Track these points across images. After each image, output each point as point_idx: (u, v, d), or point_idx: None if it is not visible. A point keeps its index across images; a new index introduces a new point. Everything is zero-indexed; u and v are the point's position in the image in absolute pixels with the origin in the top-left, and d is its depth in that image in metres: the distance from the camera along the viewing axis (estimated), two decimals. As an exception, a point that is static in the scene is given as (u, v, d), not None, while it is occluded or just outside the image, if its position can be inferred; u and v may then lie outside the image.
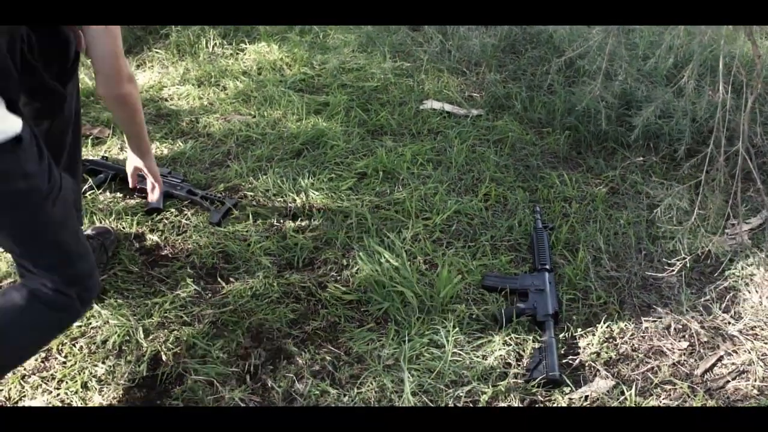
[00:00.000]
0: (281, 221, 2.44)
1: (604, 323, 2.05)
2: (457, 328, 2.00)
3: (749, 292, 2.19)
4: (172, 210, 2.47)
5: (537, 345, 1.96)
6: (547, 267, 2.18)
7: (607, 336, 2.03)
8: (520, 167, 2.79)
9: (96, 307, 2.03)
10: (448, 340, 1.95)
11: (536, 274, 2.17)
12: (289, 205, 2.52)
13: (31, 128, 1.53)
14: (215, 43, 3.76)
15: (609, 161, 2.83)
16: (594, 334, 2.02)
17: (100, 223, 2.39)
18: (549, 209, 2.53)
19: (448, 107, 3.18)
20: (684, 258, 2.15)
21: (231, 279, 2.20)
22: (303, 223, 2.43)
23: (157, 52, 3.66)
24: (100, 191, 2.54)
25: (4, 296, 1.61)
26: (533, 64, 3.50)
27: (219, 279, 2.20)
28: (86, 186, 2.50)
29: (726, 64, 2.05)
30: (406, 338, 1.96)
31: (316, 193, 2.55)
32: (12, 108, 1.46)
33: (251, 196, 2.55)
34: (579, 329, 2.04)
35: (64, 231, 1.64)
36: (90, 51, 1.64)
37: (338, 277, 2.21)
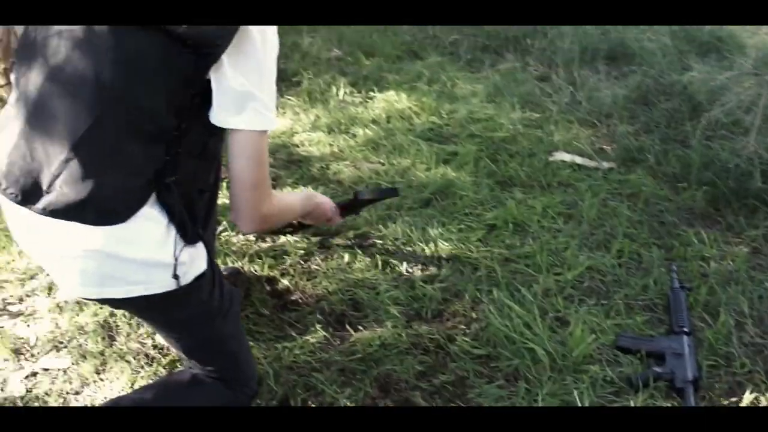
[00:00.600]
0: (410, 270, 2.45)
1: (750, 394, 1.94)
2: (590, 390, 1.94)
3: None
4: (301, 253, 2.52)
5: (676, 412, 1.88)
6: (686, 330, 2.09)
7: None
8: (654, 223, 2.70)
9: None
10: (581, 403, 1.89)
11: (674, 337, 2.09)
12: (418, 254, 2.53)
13: (209, 253, 1.59)
14: (345, 91, 3.86)
15: (750, 220, 2.70)
16: (738, 405, 1.92)
17: (233, 264, 2.47)
18: (686, 268, 2.44)
19: (578, 159, 3.14)
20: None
21: (359, 327, 2.22)
22: (432, 274, 2.43)
23: (289, 99, 3.79)
24: (234, 233, 2.63)
25: (170, 377, 1.73)
26: (667, 116, 3.41)
27: (348, 326, 2.22)
28: (221, 227, 2.59)
29: None
30: (538, 398, 1.92)
31: (445, 243, 2.56)
32: (198, 236, 1.52)
33: (380, 244, 2.58)
34: (721, 398, 1.94)
35: (233, 341, 1.76)
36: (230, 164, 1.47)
37: (467, 330, 2.20)
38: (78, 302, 2.33)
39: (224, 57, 1.32)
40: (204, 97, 1.38)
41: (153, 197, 1.40)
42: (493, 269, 2.42)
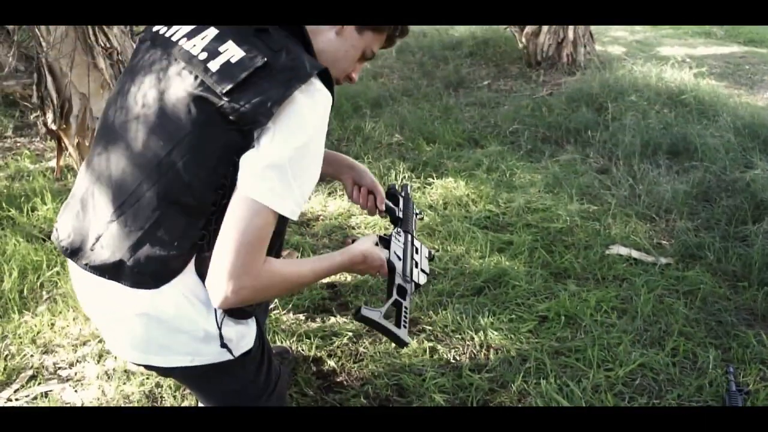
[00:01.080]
0: (458, 358, 2.43)
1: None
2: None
3: None
4: (350, 335, 2.53)
5: None
6: None
7: None
8: (711, 322, 2.64)
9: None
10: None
11: None
12: (467, 342, 2.51)
13: (260, 329, 1.63)
14: (404, 176, 3.92)
15: (813, 323, 2.62)
16: None
17: (281, 343, 2.49)
18: (744, 371, 2.37)
19: (635, 254, 3.10)
20: None
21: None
22: (480, 363, 2.41)
23: (349, 183, 3.86)
24: (284, 311, 2.66)
25: None
26: (728, 213, 3.36)
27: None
28: (272, 305, 2.63)
29: None
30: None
31: (495, 333, 2.54)
32: (244, 313, 1.54)
33: (429, 330, 2.58)
34: None
35: None
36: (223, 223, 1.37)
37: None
38: (126, 371, 2.38)
39: (264, 134, 1.31)
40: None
41: (191, 270, 1.43)
42: (543, 362, 2.39)
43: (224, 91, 1.31)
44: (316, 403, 2.25)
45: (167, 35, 1.47)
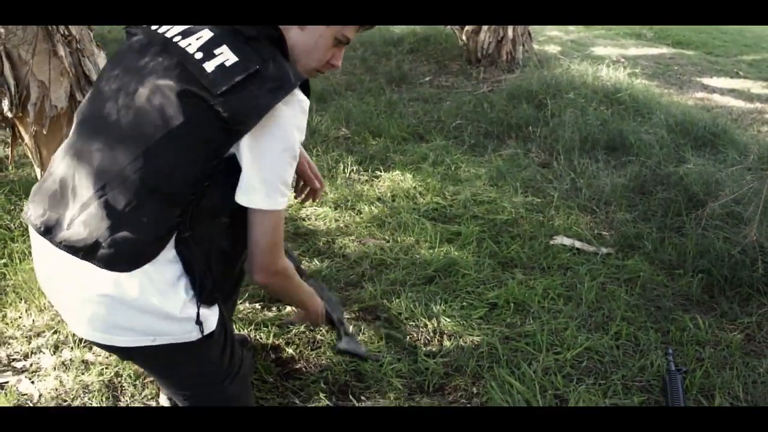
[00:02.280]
0: (413, 345, 2.51)
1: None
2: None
3: None
4: (306, 324, 2.57)
5: None
6: None
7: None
8: (651, 308, 2.78)
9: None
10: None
11: None
12: (421, 329, 2.59)
13: (222, 315, 1.68)
14: (352, 169, 3.98)
15: (744, 307, 2.78)
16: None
17: (239, 331, 2.53)
18: (682, 352, 2.50)
19: (578, 244, 3.23)
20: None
21: (362, 397, 2.27)
22: (434, 348, 2.49)
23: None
24: (241, 301, 2.69)
25: None
26: (663, 205, 3.52)
27: (351, 396, 2.27)
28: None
29: None
30: (538, 472, 1.95)
31: (448, 319, 2.62)
32: (214, 299, 1.61)
33: (384, 317, 2.65)
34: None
35: (237, 404, 1.84)
36: (248, 230, 1.60)
37: (468, 404, 2.24)
38: (84, 361, 2.38)
39: (247, 136, 1.45)
40: (228, 167, 1.49)
41: (171, 251, 1.50)
42: (494, 346, 2.48)
43: (219, 92, 1.42)
44: (276, 389, 2.29)
45: (160, 31, 1.53)
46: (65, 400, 2.24)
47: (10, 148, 2.60)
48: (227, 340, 1.72)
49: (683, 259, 3.07)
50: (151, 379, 2.29)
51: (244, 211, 1.55)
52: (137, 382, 2.30)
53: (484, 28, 6.33)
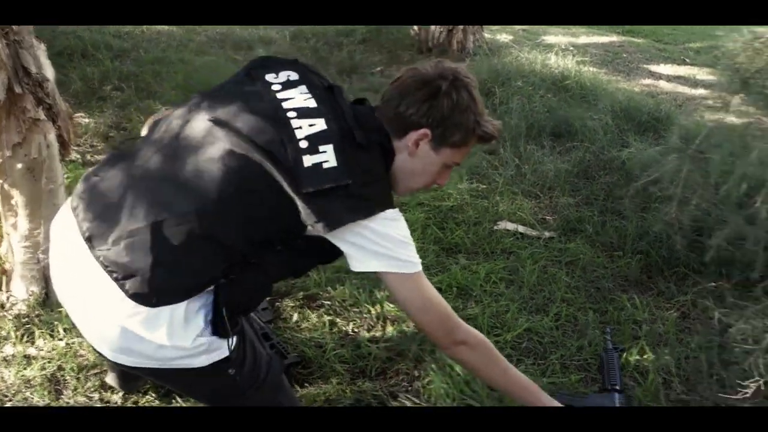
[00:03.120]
0: (356, 330, 2.54)
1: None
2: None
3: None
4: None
5: None
6: (618, 387, 2.20)
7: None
8: (591, 289, 2.84)
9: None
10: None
11: (606, 395, 2.18)
12: (365, 315, 2.62)
13: (241, 330, 1.64)
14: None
15: (680, 286, 2.86)
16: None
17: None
18: (619, 331, 2.57)
19: (521, 228, 3.28)
20: (757, 380, 2.15)
21: (306, 383, 2.29)
22: (377, 334, 2.52)
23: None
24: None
25: None
26: (606, 189, 3.60)
27: (294, 383, 2.29)
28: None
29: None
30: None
31: (391, 305, 2.65)
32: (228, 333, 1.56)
33: (328, 304, 2.67)
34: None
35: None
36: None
37: (409, 388, 2.28)
38: (26, 356, 2.36)
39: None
40: (293, 235, 1.51)
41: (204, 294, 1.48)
42: (436, 330, 2.51)
43: (303, 191, 1.42)
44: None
45: (279, 96, 1.52)
46: (6, 395, 2.23)
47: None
48: (246, 356, 1.67)
49: (623, 241, 3.14)
50: (96, 371, 2.29)
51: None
52: (80, 375, 2.29)
53: (435, 17, 6.37)
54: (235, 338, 1.58)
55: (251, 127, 1.45)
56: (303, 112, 1.48)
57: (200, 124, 1.50)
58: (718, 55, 2.59)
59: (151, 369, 1.54)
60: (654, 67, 7.20)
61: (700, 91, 6.11)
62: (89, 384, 2.26)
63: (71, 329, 2.42)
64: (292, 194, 1.42)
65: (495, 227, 3.29)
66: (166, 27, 6.66)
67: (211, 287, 1.49)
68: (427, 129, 1.57)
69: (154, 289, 1.43)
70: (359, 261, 1.54)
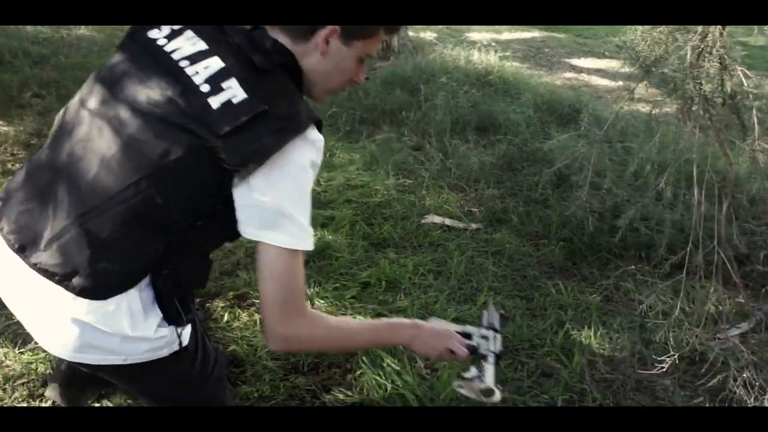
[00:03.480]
0: (287, 328, 2.54)
1: (599, 424, 2.11)
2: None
3: (743, 395, 2.25)
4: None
5: None
6: (495, 328, 2.00)
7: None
8: (517, 277, 2.91)
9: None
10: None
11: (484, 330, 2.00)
12: (295, 313, 2.62)
13: (195, 323, 1.59)
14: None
15: (603, 271, 2.95)
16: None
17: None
18: (544, 316, 2.63)
19: (448, 221, 3.33)
20: (673, 355, 2.24)
21: (239, 382, 2.28)
22: (308, 330, 2.52)
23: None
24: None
25: None
26: (529, 180, 3.68)
27: (227, 382, 2.28)
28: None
29: (701, 172, 2.21)
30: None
31: (322, 301, 2.66)
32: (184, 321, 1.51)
33: (258, 302, 2.66)
34: (574, 430, 2.10)
35: (214, 401, 1.77)
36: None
37: (342, 381, 2.30)
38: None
39: (254, 175, 1.32)
40: (226, 206, 1.39)
41: (146, 279, 1.43)
42: (367, 323, 2.54)
43: (222, 133, 1.31)
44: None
45: (166, 48, 1.43)
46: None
47: None
48: (198, 347, 1.63)
49: (548, 230, 3.22)
50: (23, 380, 2.24)
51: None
52: (6, 386, 2.24)
53: (359, 17, 6.40)
54: (190, 327, 1.55)
55: (149, 92, 1.39)
56: (194, 58, 1.40)
57: (99, 106, 1.44)
58: (620, 44, 2.68)
59: (114, 366, 1.48)
60: (575, 61, 7.39)
61: (620, 83, 6.28)
62: (17, 394, 2.21)
63: (-8, 340, 2.37)
64: (213, 143, 1.32)
65: (422, 221, 3.33)
66: (86, 32, 6.53)
67: (151, 281, 1.44)
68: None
69: (99, 282, 1.38)
70: (254, 226, 1.38)
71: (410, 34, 7.03)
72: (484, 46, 6.41)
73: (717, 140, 2.32)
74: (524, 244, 3.16)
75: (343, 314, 2.59)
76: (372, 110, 4.87)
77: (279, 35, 1.45)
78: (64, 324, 1.43)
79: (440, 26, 9.07)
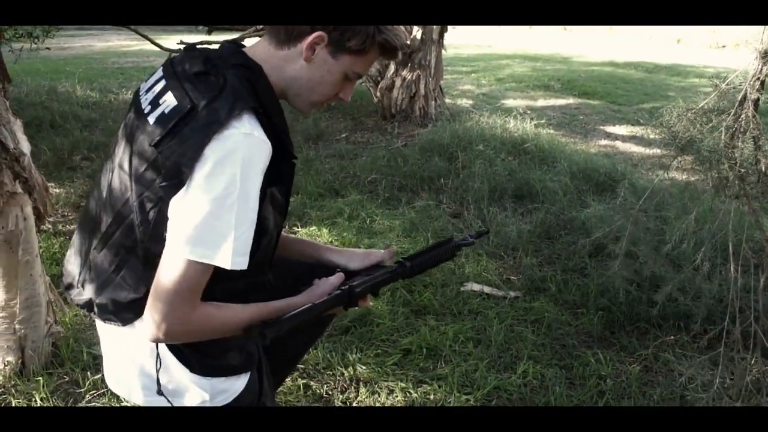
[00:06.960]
0: (330, 393, 2.59)
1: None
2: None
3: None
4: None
5: None
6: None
7: None
8: (556, 346, 2.94)
9: None
10: None
11: None
12: (338, 378, 2.68)
13: (259, 363, 1.61)
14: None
15: (642, 341, 2.97)
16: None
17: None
18: (584, 386, 2.65)
19: (487, 289, 3.38)
20: None
21: None
22: (350, 396, 2.58)
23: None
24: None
25: None
26: (567, 248, 3.73)
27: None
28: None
29: (737, 243, 2.25)
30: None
31: (363, 367, 2.71)
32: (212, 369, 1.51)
33: (302, 368, 2.72)
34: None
35: None
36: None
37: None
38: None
39: (188, 183, 1.27)
40: None
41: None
42: (408, 390, 2.58)
43: (154, 143, 1.31)
44: None
45: (142, 99, 1.46)
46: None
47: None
48: (260, 394, 1.62)
49: (586, 298, 3.26)
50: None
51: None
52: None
53: (397, 84, 6.58)
54: (243, 383, 1.54)
55: (127, 127, 1.46)
56: (154, 99, 1.42)
57: (108, 157, 1.54)
58: (656, 124, 2.75)
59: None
60: (610, 128, 7.47)
61: (654, 150, 6.34)
62: None
63: (48, 398, 2.45)
64: (153, 158, 1.33)
65: (462, 288, 3.39)
66: (133, 98, 6.75)
67: None
68: (322, 32, 1.41)
69: (110, 309, 1.46)
70: (179, 234, 1.29)
71: (447, 101, 7.18)
72: (520, 114, 6.52)
73: (752, 214, 2.37)
74: (563, 312, 3.19)
75: (384, 381, 2.64)
76: (411, 177, 4.97)
77: (263, 41, 1.47)
78: (117, 357, 1.55)
79: (475, 92, 9.23)
